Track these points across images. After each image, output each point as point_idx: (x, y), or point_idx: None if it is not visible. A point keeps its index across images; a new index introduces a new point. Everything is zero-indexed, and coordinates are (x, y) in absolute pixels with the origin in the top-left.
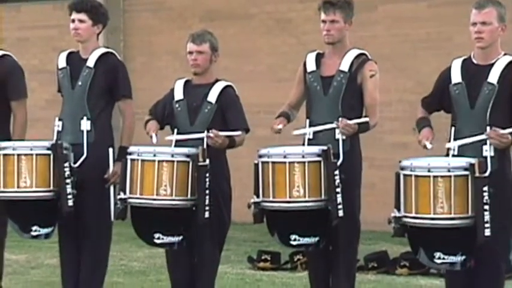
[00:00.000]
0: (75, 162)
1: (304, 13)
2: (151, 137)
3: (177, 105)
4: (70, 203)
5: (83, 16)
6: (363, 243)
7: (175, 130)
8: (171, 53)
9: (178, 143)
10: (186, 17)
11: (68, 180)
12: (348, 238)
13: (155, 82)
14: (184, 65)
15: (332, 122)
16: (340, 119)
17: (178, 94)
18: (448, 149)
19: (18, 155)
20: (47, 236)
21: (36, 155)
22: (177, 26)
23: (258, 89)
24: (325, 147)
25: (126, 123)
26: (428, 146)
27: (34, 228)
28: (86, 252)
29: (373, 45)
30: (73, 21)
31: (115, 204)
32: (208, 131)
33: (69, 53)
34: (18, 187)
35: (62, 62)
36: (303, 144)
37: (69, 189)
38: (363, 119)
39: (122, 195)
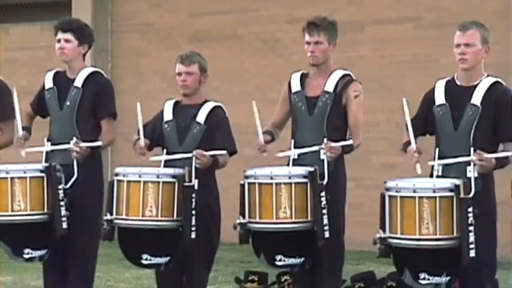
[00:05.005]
0: (65, 183)
1: (292, 34)
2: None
3: (166, 126)
4: (64, 225)
5: (69, 36)
6: (350, 263)
7: (164, 150)
8: (159, 74)
9: (167, 163)
10: (174, 38)
11: (62, 203)
12: (332, 258)
13: (143, 103)
14: (172, 85)
15: (317, 144)
16: (325, 141)
17: (168, 115)
18: (432, 167)
19: (12, 178)
20: (41, 258)
21: (30, 177)
22: (165, 47)
23: (246, 109)
24: (311, 169)
25: (102, 139)
26: (419, 171)
27: (26, 251)
28: (73, 270)
29: (360, 66)
30: (59, 41)
31: (101, 224)
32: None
33: (56, 73)
34: (12, 211)
35: (48, 82)
36: (288, 165)
37: (63, 212)
38: (347, 142)
39: (108, 216)
